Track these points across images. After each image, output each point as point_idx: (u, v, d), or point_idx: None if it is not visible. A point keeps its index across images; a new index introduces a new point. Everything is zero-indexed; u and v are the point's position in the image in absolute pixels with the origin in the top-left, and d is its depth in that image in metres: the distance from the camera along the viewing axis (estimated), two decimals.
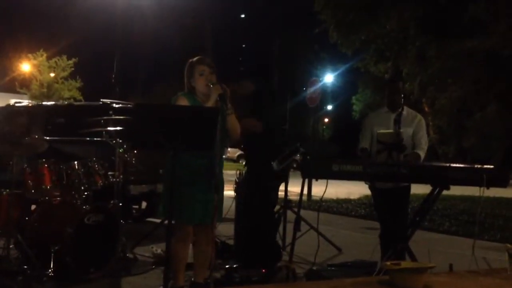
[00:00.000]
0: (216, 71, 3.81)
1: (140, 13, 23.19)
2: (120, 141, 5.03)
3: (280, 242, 5.59)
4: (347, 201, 11.87)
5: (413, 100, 19.51)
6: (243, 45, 40.05)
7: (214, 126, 3.31)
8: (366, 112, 19.87)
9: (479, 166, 4.02)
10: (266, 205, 4.92)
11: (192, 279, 3.92)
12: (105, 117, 5.17)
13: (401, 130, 4.28)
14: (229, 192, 4.85)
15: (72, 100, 28.79)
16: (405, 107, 4.56)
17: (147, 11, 23.19)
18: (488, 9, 15.82)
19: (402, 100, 4.59)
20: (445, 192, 4.14)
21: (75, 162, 4.80)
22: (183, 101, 3.73)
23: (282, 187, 5.65)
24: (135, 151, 5.64)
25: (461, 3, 16.35)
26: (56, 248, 4.23)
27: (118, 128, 5.08)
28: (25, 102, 11.96)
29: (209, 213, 3.62)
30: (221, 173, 3.81)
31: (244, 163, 5.02)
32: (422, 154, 4.44)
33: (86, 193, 4.80)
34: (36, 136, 5.58)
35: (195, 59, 3.85)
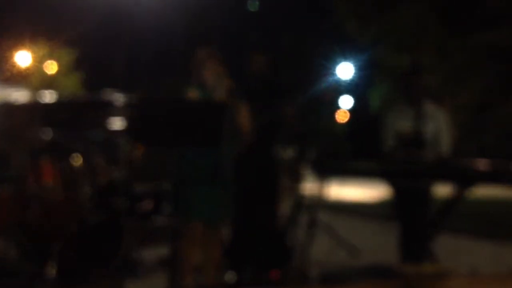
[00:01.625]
0: (223, 63, 3.82)
1: (145, 5, 23.23)
2: (125, 137, 5.03)
3: (293, 243, 5.58)
4: (364, 202, 11.83)
5: (432, 94, 19.40)
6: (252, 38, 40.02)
7: (222, 121, 3.31)
8: (383, 107, 19.81)
9: (505, 163, 3.97)
10: (275, 203, 4.90)
11: (201, 280, 3.92)
12: (108, 111, 5.19)
13: (421, 126, 4.24)
14: None
15: (74, 93, 28.94)
16: (425, 102, 4.52)
17: (152, 2, 23.22)
18: (509, 1, 15.70)
19: (423, 94, 4.55)
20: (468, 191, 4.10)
21: (78, 158, 4.81)
22: (194, 94, 3.76)
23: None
24: (140, 147, 5.65)
25: None
26: (58, 246, 4.25)
27: (123, 124, 5.09)
28: (26, 95, 12.02)
29: (217, 212, 3.62)
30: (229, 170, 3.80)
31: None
32: (445, 151, 4.41)
33: (89, 190, 4.81)
34: (37, 131, 5.61)
35: (203, 50, 3.86)
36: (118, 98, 6.92)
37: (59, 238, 4.31)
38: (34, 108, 7.39)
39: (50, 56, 32.07)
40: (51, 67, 32.00)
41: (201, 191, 3.64)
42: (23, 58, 32.21)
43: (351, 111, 45.75)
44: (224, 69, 3.82)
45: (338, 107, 35.94)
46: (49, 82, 31.77)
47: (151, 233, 5.79)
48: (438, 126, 4.53)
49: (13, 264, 4.37)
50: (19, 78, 31.33)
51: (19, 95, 8.83)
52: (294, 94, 5.23)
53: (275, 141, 4.79)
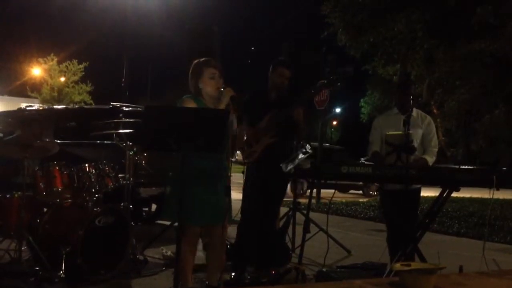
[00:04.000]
0: (223, 73, 3.78)
1: (149, 18, 23.30)
2: (130, 143, 5.04)
3: (289, 244, 5.58)
4: (355, 203, 11.84)
5: (421, 102, 19.43)
6: (252, 48, 40.23)
7: (224, 128, 3.31)
8: (374, 115, 19.81)
9: (488, 167, 3.99)
10: (272, 206, 4.90)
11: (206, 282, 3.91)
12: (115, 120, 5.20)
13: (411, 132, 4.26)
14: (238, 194, 4.86)
15: (82, 104, 28.95)
16: (414, 109, 4.55)
17: (155, 15, 23.29)
18: (496, 12, 15.74)
19: (412, 102, 4.58)
20: (454, 194, 4.12)
21: (86, 165, 4.82)
22: (190, 104, 3.67)
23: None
24: (145, 154, 5.66)
25: (469, 6, 16.28)
26: (67, 249, 4.25)
27: (128, 130, 5.10)
28: (36, 106, 12.04)
29: (218, 214, 3.60)
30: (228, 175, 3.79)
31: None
32: (432, 157, 4.44)
33: (96, 195, 4.81)
34: (47, 140, 5.61)
35: (202, 60, 3.78)
36: (124, 107, 6.95)
37: (68, 242, 4.30)
38: (44, 118, 7.42)
39: (59, 69, 32.14)
40: (60, 79, 32.02)
41: (200, 195, 3.61)
42: (33, 70, 32.28)
43: (344, 118, 45.88)
44: (223, 77, 3.76)
45: (332, 114, 36.02)
46: (58, 93, 31.83)
47: (156, 236, 5.80)
48: (426, 132, 4.56)
49: (24, 267, 4.37)
50: (29, 90, 31.40)
51: (30, 105, 8.84)
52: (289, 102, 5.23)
53: (287, 144, 4.80)
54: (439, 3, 17.28)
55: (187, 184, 3.50)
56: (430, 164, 4.40)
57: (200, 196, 3.60)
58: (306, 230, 4.27)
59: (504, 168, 3.99)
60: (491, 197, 3.84)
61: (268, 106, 4.79)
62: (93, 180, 4.78)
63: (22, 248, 4.44)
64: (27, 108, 8.01)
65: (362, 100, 37.73)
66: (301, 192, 13.13)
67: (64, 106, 13.35)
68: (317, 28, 21.24)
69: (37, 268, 4.32)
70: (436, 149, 4.54)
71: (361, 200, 12.57)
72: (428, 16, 17.52)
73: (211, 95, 3.71)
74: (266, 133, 4.69)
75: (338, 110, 42.22)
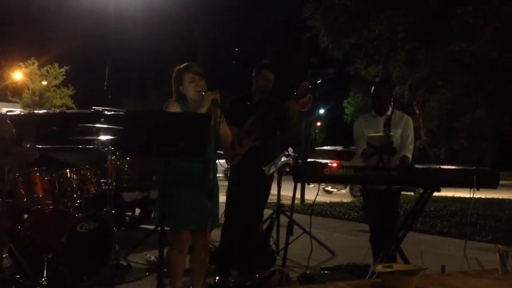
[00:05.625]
0: (204, 76, 3.79)
1: (131, 21, 23.17)
2: (112, 148, 5.01)
3: (273, 247, 5.59)
4: (339, 204, 11.88)
5: (403, 103, 19.60)
6: (236, 49, 40.34)
7: (207, 132, 3.30)
8: (358, 116, 19.91)
9: (469, 167, 4.03)
10: (256, 209, 4.90)
11: (190, 286, 3.90)
12: (97, 125, 5.16)
13: (391, 133, 4.29)
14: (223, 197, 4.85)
15: (64, 108, 28.68)
16: (394, 110, 4.59)
17: (138, 18, 23.18)
18: (476, 12, 15.94)
19: (391, 103, 4.61)
20: (436, 194, 4.15)
21: (67, 170, 4.77)
22: (175, 108, 3.69)
23: (274, 191, 5.65)
24: (128, 158, 5.62)
25: (449, 7, 16.46)
26: (49, 256, 4.20)
27: (110, 135, 5.06)
28: (17, 110, 11.91)
29: (205, 218, 3.60)
30: (216, 178, 3.79)
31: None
32: (410, 154, 4.48)
33: (78, 201, 4.77)
34: (28, 145, 5.55)
35: (182, 66, 3.81)
36: (106, 111, 6.90)
37: (50, 248, 4.26)
38: (25, 122, 7.34)
39: (40, 72, 31.80)
40: (41, 83, 31.68)
41: (188, 199, 3.61)
42: (13, 74, 31.90)
43: (328, 119, 46.05)
44: (205, 82, 3.77)
45: (315, 116, 36.12)
46: (39, 97, 31.48)
47: (140, 241, 5.76)
48: (403, 130, 4.60)
49: (5, 275, 4.31)
50: (10, 94, 31.02)
51: (10, 110, 8.74)
52: (273, 104, 5.24)
53: (271, 146, 4.80)
54: (419, 5, 17.45)
55: (176, 189, 3.50)
56: (410, 159, 4.45)
57: (189, 200, 3.60)
58: (289, 232, 4.27)
59: (485, 168, 4.04)
60: (471, 196, 3.88)
61: (251, 108, 4.80)
62: (74, 185, 4.74)
63: (3, 256, 4.37)
64: (7, 114, 7.92)
65: (345, 101, 37.89)
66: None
67: (45, 111, 13.23)
68: (300, 30, 21.37)
69: (19, 275, 4.27)
70: (412, 146, 4.59)
71: (345, 200, 12.61)
72: (409, 18, 17.68)
73: (193, 99, 3.73)
74: (249, 136, 4.69)
75: (321, 111, 42.33)
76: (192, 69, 3.76)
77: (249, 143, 4.69)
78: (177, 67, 3.82)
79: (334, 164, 4.38)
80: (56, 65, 31.75)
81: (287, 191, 5.60)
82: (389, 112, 4.45)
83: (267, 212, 5.93)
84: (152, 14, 23.09)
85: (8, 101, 30.33)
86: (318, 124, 45.85)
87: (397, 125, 4.56)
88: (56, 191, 4.71)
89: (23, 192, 4.65)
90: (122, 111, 7.11)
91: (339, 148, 17.54)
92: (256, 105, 4.84)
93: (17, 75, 31.97)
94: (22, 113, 10.05)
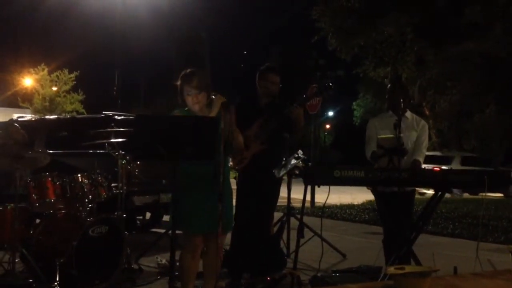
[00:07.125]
0: (205, 87, 3.71)
1: (137, 26, 23.30)
2: (123, 152, 5.03)
3: (284, 249, 5.58)
4: (350, 206, 11.84)
5: (413, 104, 19.55)
6: (245, 52, 40.41)
7: (215, 135, 3.31)
8: (367, 117, 19.85)
9: (480, 169, 4.01)
10: (264, 212, 4.90)
11: None
12: (107, 129, 5.18)
13: (402, 135, 4.27)
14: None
15: (74, 113, 28.85)
16: (409, 112, 4.57)
17: (144, 23, 23.29)
18: (484, 12, 15.85)
19: (403, 104, 4.59)
20: (448, 195, 4.13)
21: (79, 175, 4.80)
22: (182, 114, 3.71)
23: (284, 194, 5.64)
24: (138, 162, 5.64)
25: (457, 7, 16.39)
26: (61, 261, 4.22)
27: (121, 139, 5.08)
28: (28, 116, 12.00)
29: (217, 222, 3.60)
30: (228, 182, 3.78)
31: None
32: (422, 158, 4.47)
33: (90, 205, 4.80)
34: (39, 150, 5.59)
35: (184, 75, 3.74)
36: (116, 116, 6.94)
37: (62, 253, 4.28)
38: (36, 128, 7.39)
39: (50, 78, 32.01)
40: (51, 89, 31.89)
41: (200, 203, 3.61)
42: (24, 80, 32.15)
43: (337, 121, 45.93)
44: (202, 94, 3.74)
45: (324, 118, 36.06)
46: (50, 103, 31.69)
47: (151, 244, 5.78)
48: (419, 134, 4.58)
49: (18, 279, 4.34)
50: (20, 100, 31.26)
51: (21, 116, 8.81)
52: (282, 107, 5.23)
53: (278, 150, 4.79)
54: (427, 5, 17.39)
55: (187, 192, 3.51)
56: (422, 163, 4.44)
57: (201, 204, 3.60)
58: (300, 235, 4.26)
59: (496, 169, 4.01)
60: (483, 196, 3.86)
61: (258, 112, 4.79)
62: (86, 190, 4.77)
63: (16, 260, 4.40)
64: (19, 119, 7.98)
65: (354, 103, 37.78)
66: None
67: (56, 116, 13.32)
68: (308, 33, 21.34)
69: (31, 280, 4.30)
70: (425, 151, 4.59)
71: (355, 203, 12.57)
72: (417, 19, 17.63)
73: (192, 110, 3.71)
74: (256, 140, 4.69)
75: (330, 113, 42.23)
76: (192, 83, 3.67)
77: (256, 146, 4.69)
78: (182, 74, 3.77)
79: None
80: (66, 71, 31.96)
81: (297, 193, 5.59)
82: (407, 114, 4.45)
83: (277, 215, 5.92)
84: (157, 19, 23.23)
85: (18, 107, 30.57)
86: (327, 126, 45.75)
87: (414, 127, 4.55)
88: (68, 195, 4.74)
89: (35, 197, 4.69)
90: (132, 116, 7.14)
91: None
92: (263, 108, 4.84)
93: (27, 81, 32.22)
94: (33, 119, 10.13)
